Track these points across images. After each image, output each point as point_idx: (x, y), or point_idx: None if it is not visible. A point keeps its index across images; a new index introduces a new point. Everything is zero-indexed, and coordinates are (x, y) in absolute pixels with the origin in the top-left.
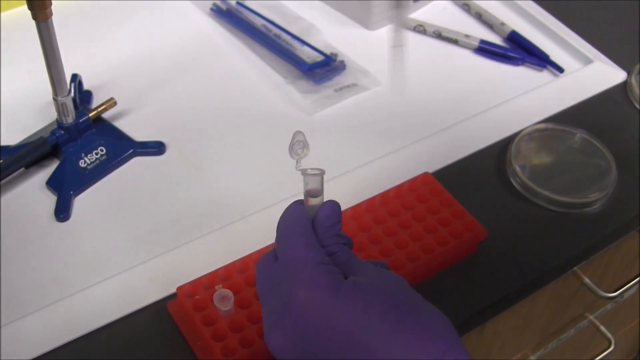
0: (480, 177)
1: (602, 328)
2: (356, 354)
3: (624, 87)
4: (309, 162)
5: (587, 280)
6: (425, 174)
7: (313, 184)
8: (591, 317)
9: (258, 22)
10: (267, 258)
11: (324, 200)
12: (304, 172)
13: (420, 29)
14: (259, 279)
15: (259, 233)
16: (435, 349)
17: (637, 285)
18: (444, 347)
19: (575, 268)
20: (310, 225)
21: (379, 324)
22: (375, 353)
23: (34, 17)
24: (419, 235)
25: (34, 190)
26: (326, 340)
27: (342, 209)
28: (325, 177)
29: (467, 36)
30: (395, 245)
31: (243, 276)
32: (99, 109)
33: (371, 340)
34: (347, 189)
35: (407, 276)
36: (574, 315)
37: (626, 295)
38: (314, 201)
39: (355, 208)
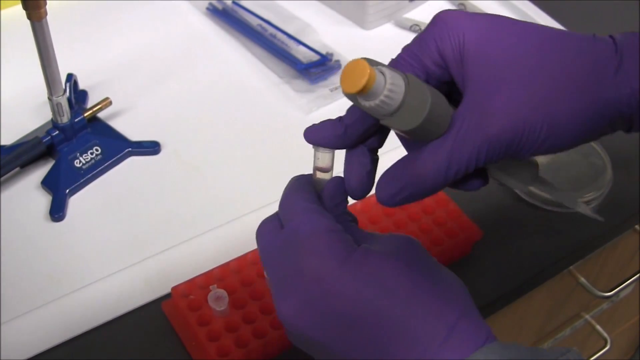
0: None
1: (598, 327)
2: (369, 321)
3: None
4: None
5: (582, 279)
6: None
7: (323, 161)
8: (587, 316)
9: (254, 21)
10: (270, 226)
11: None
12: (316, 147)
13: (416, 28)
14: (263, 248)
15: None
16: (449, 315)
17: (633, 285)
18: (457, 313)
19: (571, 267)
20: (316, 195)
21: (393, 289)
22: (388, 320)
23: (29, 16)
24: (414, 235)
25: (29, 190)
26: (339, 309)
27: None
28: None
29: None
30: None
31: (238, 276)
32: (94, 109)
33: (385, 306)
34: None
35: None
36: (570, 315)
37: (622, 294)
38: (322, 175)
39: (351, 208)
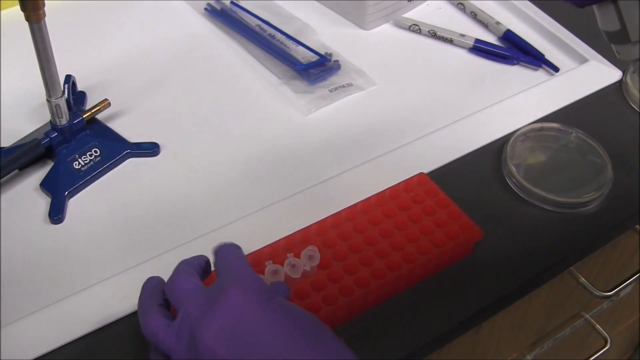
0: (476, 178)
1: (598, 327)
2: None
3: (619, 86)
4: (305, 160)
5: (582, 279)
6: (421, 175)
7: None
8: (587, 316)
9: (252, 22)
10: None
11: None
12: None
13: (415, 28)
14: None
15: (256, 234)
16: None
17: (633, 284)
18: None
19: (571, 267)
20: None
21: (302, 339)
22: None
23: (27, 18)
24: (415, 237)
25: (28, 192)
26: (253, 342)
27: (337, 209)
28: (322, 178)
29: (462, 35)
30: (391, 247)
31: None
32: (93, 110)
33: (293, 350)
34: (342, 190)
35: (403, 278)
36: (570, 315)
37: (622, 294)
38: None
39: (351, 209)
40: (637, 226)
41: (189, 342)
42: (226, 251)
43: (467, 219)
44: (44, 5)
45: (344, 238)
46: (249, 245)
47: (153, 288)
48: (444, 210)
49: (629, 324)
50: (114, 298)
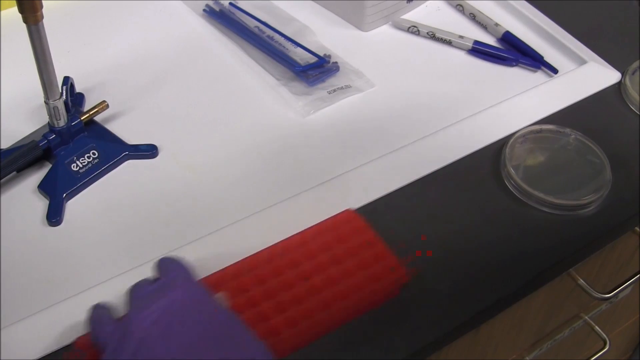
0: (475, 180)
1: (597, 328)
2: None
3: (618, 88)
4: (303, 163)
5: (581, 281)
6: (348, 211)
7: None
8: (586, 317)
9: (251, 23)
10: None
11: None
12: None
13: (414, 29)
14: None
15: (254, 236)
16: None
17: (632, 286)
18: None
19: (570, 269)
20: None
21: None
22: None
23: (25, 20)
24: (335, 280)
25: (25, 195)
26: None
27: (265, 245)
28: (316, 182)
29: (461, 37)
30: (307, 292)
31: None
32: (91, 112)
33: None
34: (338, 193)
35: (319, 325)
36: (569, 316)
37: (621, 295)
38: None
39: (274, 246)
40: (637, 228)
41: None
42: (169, 260)
43: (394, 259)
44: (41, 6)
45: (260, 282)
46: (249, 248)
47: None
48: (369, 250)
49: (628, 325)
50: (114, 300)
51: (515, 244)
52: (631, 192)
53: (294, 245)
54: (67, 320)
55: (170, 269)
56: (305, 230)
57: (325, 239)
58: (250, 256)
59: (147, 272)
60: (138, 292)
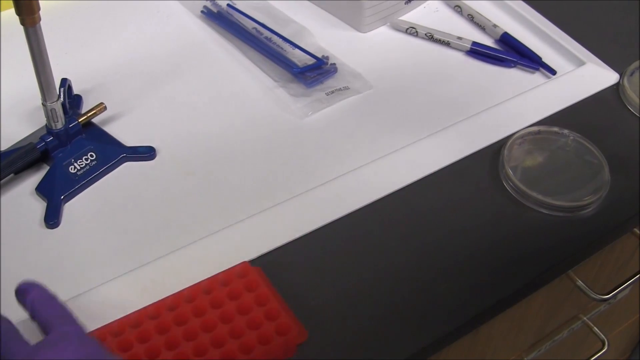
0: (473, 181)
1: (596, 329)
2: None
3: (616, 89)
4: (301, 164)
5: (580, 282)
6: (244, 264)
7: None
8: (585, 318)
9: (249, 24)
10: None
11: None
12: None
13: (412, 31)
14: None
15: (253, 239)
16: None
17: (631, 286)
18: None
19: (569, 270)
20: None
21: None
22: None
23: (22, 22)
24: (222, 340)
25: (23, 197)
26: None
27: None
28: (314, 184)
29: (459, 38)
30: (194, 353)
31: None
32: (89, 114)
33: None
34: (332, 198)
35: None
36: (567, 317)
37: (619, 296)
38: None
39: (161, 302)
40: (636, 229)
41: None
42: (38, 298)
43: (287, 318)
44: (39, 9)
45: (143, 340)
46: (250, 248)
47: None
48: (262, 308)
49: (626, 325)
50: (110, 303)
51: (514, 245)
52: (630, 193)
53: (182, 300)
54: None
55: (48, 313)
56: (196, 284)
57: (217, 295)
58: (135, 311)
59: (145, 274)
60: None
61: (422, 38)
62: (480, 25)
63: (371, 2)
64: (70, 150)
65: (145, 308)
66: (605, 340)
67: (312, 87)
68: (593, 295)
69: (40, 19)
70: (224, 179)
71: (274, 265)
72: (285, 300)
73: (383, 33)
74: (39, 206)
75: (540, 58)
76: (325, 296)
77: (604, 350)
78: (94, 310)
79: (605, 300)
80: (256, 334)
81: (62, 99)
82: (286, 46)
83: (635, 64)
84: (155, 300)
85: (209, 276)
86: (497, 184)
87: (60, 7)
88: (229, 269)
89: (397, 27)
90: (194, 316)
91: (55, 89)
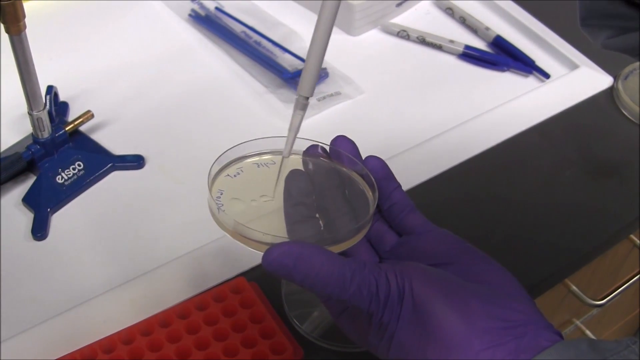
0: (467, 189)
1: (588, 332)
2: None
3: (610, 92)
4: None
5: (574, 288)
6: (240, 279)
7: None
8: (577, 322)
9: (238, 28)
10: None
11: None
12: None
13: (403, 34)
14: None
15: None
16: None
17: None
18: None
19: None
20: None
21: None
22: None
23: (7, 30)
24: (215, 359)
25: (9, 208)
26: None
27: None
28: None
29: (451, 42)
30: None
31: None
32: (76, 122)
33: None
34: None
35: None
36: (561, 321)
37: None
38: None
39: (149, 320)
40: (632, 236)
41: None
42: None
43: (282, 337)
44: (24, 16)
45: (134, 357)
46: (245, 260)
47: None
48: (257, 325)
49: (617, 327)
50: (99, 318)
51: (512, 252)
52: (625, 199)
53: (173, 316)
54: (54, 338)
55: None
56: (189, 299)
57: (211, 311)
58: (127, 327)
59: (135, 287)
60: None
61: (414, 41)
62: (473, 28)
63: (362, 5)
64: (57, 159)
65: (136, 324)
66: None
67: None
68: (588, 301)
69: (25, 27)
70: None
71: (271, 279)
72: (282, 318)
73: (374, 36)
74: (26, 218)
75: (533, 61)
76: (323, 312)
77: None
78: (84, 325)
79: (600, 306)
80: (251, 353)
81: (48, 107)
82: (276, 50)
83: (629, 68)
84: (147, 316)
85: (203, 290)
86: (492, 191)
87: (44, 12)
88: (224, 283)
89: (388, 30)
90: (187, 333)
91: (41, 97)
